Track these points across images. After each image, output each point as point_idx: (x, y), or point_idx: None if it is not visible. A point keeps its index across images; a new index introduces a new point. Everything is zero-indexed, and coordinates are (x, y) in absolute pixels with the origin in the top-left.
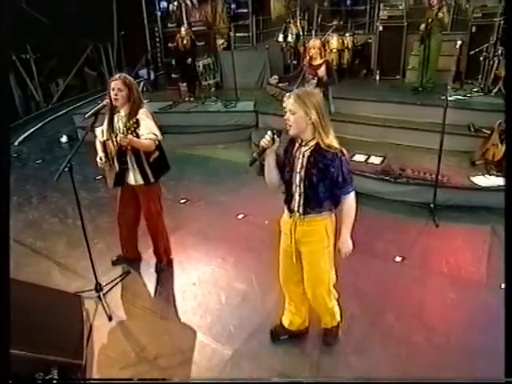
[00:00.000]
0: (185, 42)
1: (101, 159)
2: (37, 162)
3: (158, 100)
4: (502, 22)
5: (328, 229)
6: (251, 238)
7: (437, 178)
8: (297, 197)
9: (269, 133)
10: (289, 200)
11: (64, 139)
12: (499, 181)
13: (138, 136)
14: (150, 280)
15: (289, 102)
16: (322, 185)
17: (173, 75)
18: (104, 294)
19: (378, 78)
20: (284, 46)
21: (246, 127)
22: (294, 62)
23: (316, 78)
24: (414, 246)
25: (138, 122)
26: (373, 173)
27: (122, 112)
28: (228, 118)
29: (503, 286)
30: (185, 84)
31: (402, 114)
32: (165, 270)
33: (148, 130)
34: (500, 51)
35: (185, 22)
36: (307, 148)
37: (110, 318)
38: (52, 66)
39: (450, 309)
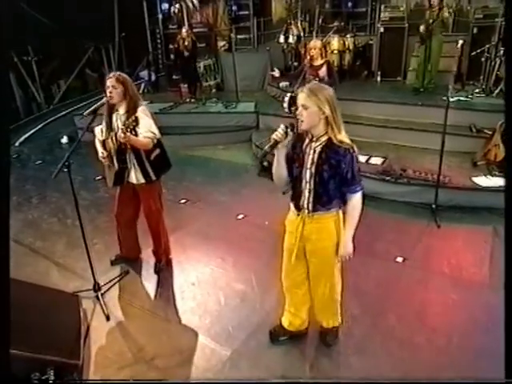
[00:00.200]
0: (186, 43)
1: (102, 154)
2: (37, 162)
3: (158, 101)
4: (503, 22)
5: (337, 226)
6: (251, 239)
7: (438, 178)
8: (306, 193)
9: (282, 126)
10: (297, 197)
11: (64, 140)
12: (501, 181)
13: (136, 134)
14: (148, 280)
15: (301, 96)
16: (333, 181)
17: (174, 76)
18: (102, 294)
19: (379, 79)
20: (285, 47)
21: (246, 128)
22: (295, 63)
23: (317, 79)
24: (416, 247)
25: (137, 120)
26: (374, 173)
27: (121, 110)
28: (228, 118)
29: None
30: (186, 85)
31: (403, 115)
32: (164, 269)
33: (146, 129)
34: (502, 52)
35: (186, 23)
36: (318, 144)
37: (108, 318)
38: (53, 67)
39: (451, 309)
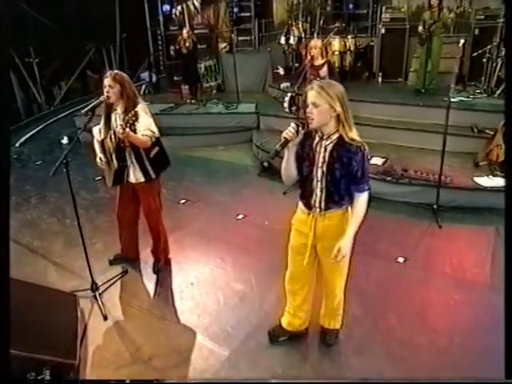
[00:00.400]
0: (187, 44)
1: (100, 159)
2: (37, 162)
3: (159, 102)
4: (504, 23)
5: (346, 223)
6: (250, 239)
7: (440, 178)
8: (318, 192)
9: (292, 124)
10: (307, 196)
11: (65, 141)
12: (503, 182)
13: (135, 131)
14: (147, 280)
15: (311, 94)
16: (344, 180)
17: (175, 77)
18: (100, 294)
19: (380, 80)
20: (286, 48)
21: (247, 129)
22: (296, 64)
23: (318, 79)
24: (417, 247)
25: (136, 115)
26: (375, 173)
27: (119, 109)
28: (229, 119)
29: None
30: (187, 86)
31: (405, 116)
32: (163, 269)
33: (145, 127)
34: (503, 53)
35: (187, 24)
36: (329, 142)
37: (106, 318)
38: (54, 68)
39: (453, 310)
